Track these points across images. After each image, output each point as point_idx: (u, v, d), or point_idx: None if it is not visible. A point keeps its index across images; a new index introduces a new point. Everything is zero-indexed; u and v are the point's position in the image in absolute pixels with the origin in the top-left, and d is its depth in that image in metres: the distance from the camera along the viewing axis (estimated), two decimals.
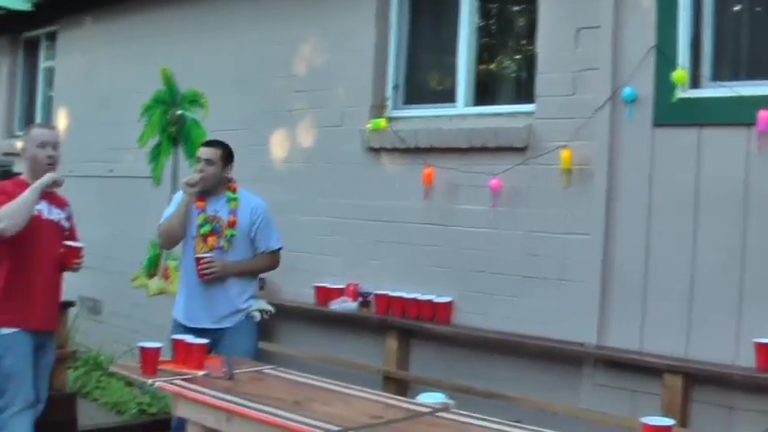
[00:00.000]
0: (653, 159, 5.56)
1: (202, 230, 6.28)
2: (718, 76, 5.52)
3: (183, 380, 4.90)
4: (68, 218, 5.92)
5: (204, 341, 5.30)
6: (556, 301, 6.03)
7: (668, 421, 4.03)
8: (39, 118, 11.95)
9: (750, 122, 5.11)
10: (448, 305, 6.58)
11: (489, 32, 7.16)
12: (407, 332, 6.79)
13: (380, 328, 6.89)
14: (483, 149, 6.48)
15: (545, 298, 6.09)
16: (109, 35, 10.38)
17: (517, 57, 6.99)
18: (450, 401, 4.70)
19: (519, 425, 4.36)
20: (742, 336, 5.14)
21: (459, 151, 6.61)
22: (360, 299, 7.09)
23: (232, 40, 8.58)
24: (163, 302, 7.24)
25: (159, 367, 5.07)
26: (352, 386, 5.06)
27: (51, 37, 11.78)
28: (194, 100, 8.30)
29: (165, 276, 8.61)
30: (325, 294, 7.28)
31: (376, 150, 7.20)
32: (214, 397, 4.59)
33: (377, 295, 6.94)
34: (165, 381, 4.89)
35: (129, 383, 8.32)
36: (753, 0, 5.58)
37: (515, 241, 6.27)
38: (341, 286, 7.24)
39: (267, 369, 5.50)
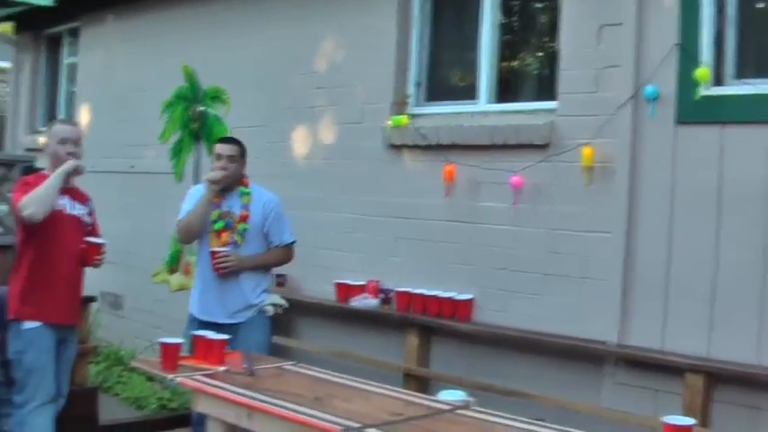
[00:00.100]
0: (675, 157, 5.53)
1: (216, 226, 6.29)
2: (741, 73, 5.48)
3: (203, 375, 4.90)
4: (90, 213, 5.94)
5: (225, 337, 5.30)
6: (577, 299, 6.02)
7: (689, 421, 4.00)
8: (61, 114, 12.01)
9: None
10: (469, 302, 6.58)
11: (511, 29, 7.14)
12: (428, 329, 6.79)
13: (401, 326, 6.88)
14: (504, 147, 6.47)
15: (566, 296, 6.08)
16: (131, 32, 10.42)
17: (539, 54, 6.97)
18: (471, 399, 4.68)
19: (541, 423, 4.34)
20: (764, 335, 5.11)
21: (480, 148, 6.60)
22: (381, 296, 7.09)
23: (253, 37, 8.59)
24: (184, 298, 7.23)
25: (180, 363, 5.08)
26: (373, 383, 5.05)
27: (74, 33, 11.83)
28: (216, 96, 8.30)
29: (187, 272, 8.61)
30: (346, 291, 7.28)
31: (397, 147, 7.20)
32: (234, 393, 4.59)
33: (398, 292, 6.94)
34: (185, 376, 4.90)
35: (150, 379, 8.35)
36: None
37: (537, 239, 6.26)
38: (362, 283, 7.24)
39: (287, 365, 5.50)
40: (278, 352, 6.93)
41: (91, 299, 7.11)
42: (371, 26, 7.49)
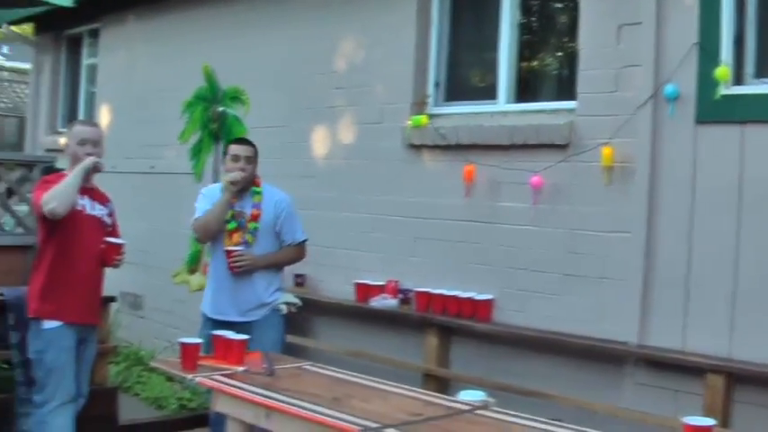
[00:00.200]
0: (695, 157, 5.52)
1: (229, 226, 6.31)
2: (761, 72, 5.46)
3: (222, 375, 4.91)
4: (110, 214, 5.96)
5: (245, 337, 5.30)
6: (597, 299, 6.00)
7: (709, 421, 3.98)
8: (81, 114, 12.05)
9: None
10: (489, 303, 6.57)
11: (530, 29, 7.13)
12: (448, 330, 6.78)
13: (421, 326, 6.88)
14: (524, 146, 6.46)
15: (586, 296, 6.06)
16: (150, 32, 10.45)
17: (558, 53, 6.96)
18: (491, 399, 4.67)
19: (559, 423, 4.33)
20: None
21: (500, 148, 6.59)
22: (400, 296, 7.08)
23: (272, 38, 8.60)
24: None
25: (199, 363, 5.08)
26: (391, 383, 5.04)
27: (94, 34, 11.87)
28: (236, 97, 8.30)
29: (206, 272, 8.63)
30: (365, 291, 7.28)
31: (417, 147, 7.19)
32: (253, 393, 4.59)
33: (417, 292, 6.93)
34: (204, 376, 4.90)
35: (170, 378, 8.36)
36: None
37: (556, 239, 6.25)
38: (381, 283, 7.24)
39: (306, 365, 5.50)
40: (296, 352, 6.95)
41: (111, 299, 7.13)
42: (391, 26, 7.49)
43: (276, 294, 6.48)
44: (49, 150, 11.24)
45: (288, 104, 8.37)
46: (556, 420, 4.41)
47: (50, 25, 12.43)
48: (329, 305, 7.59)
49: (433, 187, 7.07)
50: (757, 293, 5.21)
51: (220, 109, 8.28)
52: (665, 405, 5.48)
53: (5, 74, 22.10)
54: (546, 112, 6.55)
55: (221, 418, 5.12)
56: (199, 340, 5.23)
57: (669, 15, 5.66)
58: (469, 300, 6.62)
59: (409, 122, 7.21)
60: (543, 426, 4.24)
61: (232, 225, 6.32)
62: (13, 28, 13.62)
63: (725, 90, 5.38)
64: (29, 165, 8.24)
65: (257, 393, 4.57)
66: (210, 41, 9.28)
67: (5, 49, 25.76)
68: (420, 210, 7.14)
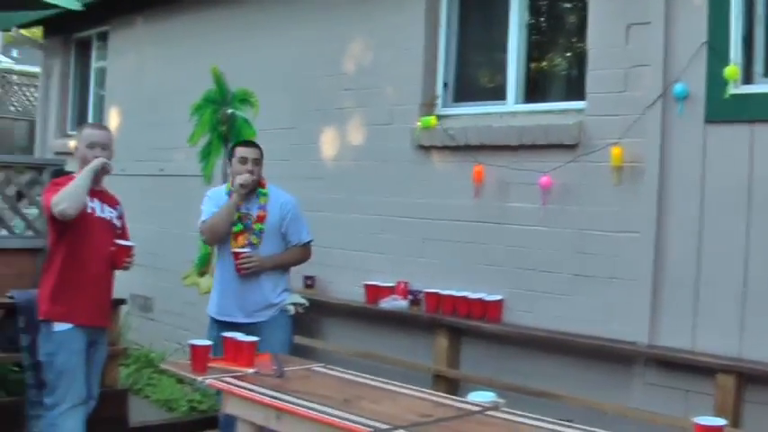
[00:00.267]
0: (704, 156, 5.50)
1: (235, 228, 6.35)
2: None
3: (232, 377, 4.91)
4: (120, 217, 5.97)
5: (255, 339, 5.31)
6: (606, 299, 5.99)
7: (720, 421, 3.98)
8: (91, 117, 12.07)
9: None
10: (498, 303, 6.56)
11: (539, 29, 7.13)
12: (458, 330, 6.77)
13: (430, 327, 6.87)
14: (533, 147, 6.45)
15: (595, 296, 6.05)
16: (159, 35, 10.47)
17: (567, 53, 6.96)
18: (501, 400, 4.67)
19: (570, 424, 4.33)
20: None
21: (509, 149, 6.59)
22: (410, 297, 7.08)
23: (280, 39, 8.60)
24: None
25: (209, 365, 5.09)
26: (402, 384, 5.04)
27: (103, 37, 11.89)
28: (245, 99, 8.32)
29: None
30: (374, 292, 7.27)
31: (426, 148, 7.19)
32: (263, 394, 4.59)
33: (427, 293, 6.93)
34: (214, 378, 4.91)
35: (180, 380, 8.38)
36: None
37: (566, 239, 6.24)
38: (390, 284, 7.23)
39: (316, 367, 5.50)
40: (305, 353, 6.96)
41: (121, 301, 7.15)
42: (399, 27, 7.48)
43: (284, 295, 6.51)
44: (58, 153, 11.26)
45: (296, 106, 8.38)
46: (567, 421, 4.41)
47: (59, 28, 12.46)
48: (338, 306, 7.59)
49: (442, 188, 7.06)
50: (767, 293, 5.20)
51: (229, 111, 8.31)
52: (675, 405, 5.47)
53: (15, 77, 22.13)
54: (555, 112, 6.54)
55: (231, 420, 5.13)
56: (209, 342, 5.24)
57: (678, 15, 5.65)
58: (479, 300, 6.61)
59: (418, 123, 7.20)
60: (554, 426, 4.24)
61: (238, 227, 6.34)
62: (23, 31, 13.67)
63: (734, 89, 5.37)
64: (38, 168, 8.26)
65: (267, 395, 4.58)
66: (219, 44, 9.29)
67: (15, 53, 25.83)
68: (429, 211, 7.13)
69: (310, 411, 4.30)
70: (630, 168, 5.87)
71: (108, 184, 5.97)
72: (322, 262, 7.47)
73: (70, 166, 7.36)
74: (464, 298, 6.69)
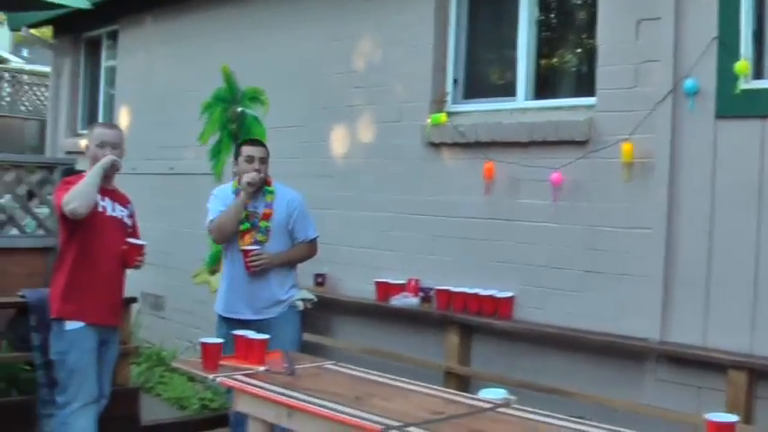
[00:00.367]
0: (715, 152, 5.49)
1: (242, 227, 6.37)
2: None
3: (243, 375, 4.91)
4: (131, 215, 5.98)
5: (266, 336, 5.31)
6: (617, 296, 5.98)
7: (732, 418, 3.96)
8: (101, 117, 12.08)
9: None
10: (509, 300, 6.56)
11: (549, 25, 7.12)
12: (469, 327, 6.77)
13: (441, 324, 6.87)
14: (544, 143, 6.44)
15: (606, 293, 6.04)
16: (169, 34, 10.47)
17: (577, 49, 6.95)
18: (512, 397, 4.67)
19: (581, 421, 4.32)
20: None
21: (519, 145, 6.58)
22: (421, 294, 7.07)
23: (290, 37, 8.60)
24: None
25: (220, 363, 5.09)
26: (413, 382, 5.03)
27: (113, 36, 11.90)
28: (255, 97, 8.33)
29: None
30: (385, 290, 7.27)
31: (436, 145, 7.18)
32: (275, 392, 4.59)
33: (438, 291, 6.92)
34: (225, 376, 4.91)
35: (192, 379, 8.38)
36: None
37: (577, 236, 6.23)
38: (401, 281, 7.23)
39: (327, 364, 5.50)
40: (316, 351, 6.96)
41: (132, 300, 7.16)
42: (409, 24, 7.48)
43: (292, 291, 6.53)
44: (69, 153, 11.29)
45: (306, 104, 8.38)
46: (578, 418, 4.41)
47: (69, 28, 12.48)
48: (349, 304, 7.59)
49: (453, 185, 7.06)
50: None
51: (239, 109, 8.32)
52: (686, 401, 5.46)
53: (25, 77, 22.20)
54: (565, 108, 6.53)
55: (242, 418, 5.13)
56: (220, 340, 5.24)
57: (688, 10, 5.64)
58: (490, 297, 6.61)
59: (428, 120, 7.20)
60: (566, 423, 4.23)
61: (245, 225, 6.36)
62: (33, 31, 13.69)
63: (745, 84, 5.35)
64: (49, 167, 8.28)
65: (279, 393, 4.57)
66: (229, 42, 9.30)
67: (25, 53, 25.92)
68: (440, 208, 7.13)
69: (322, 409, 4.29)
70: (641, 164, 5.86)
71: (118, 182, 5.97)
72: (332, 259, 7.48)
73: (81, 165, 7.38)
74: (475, 295, 6.69)
